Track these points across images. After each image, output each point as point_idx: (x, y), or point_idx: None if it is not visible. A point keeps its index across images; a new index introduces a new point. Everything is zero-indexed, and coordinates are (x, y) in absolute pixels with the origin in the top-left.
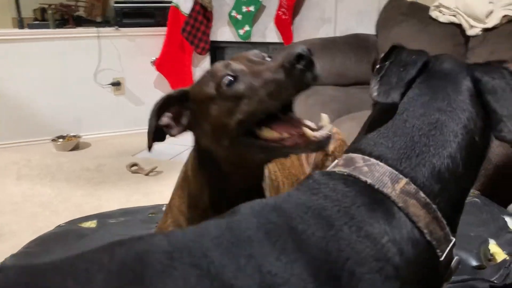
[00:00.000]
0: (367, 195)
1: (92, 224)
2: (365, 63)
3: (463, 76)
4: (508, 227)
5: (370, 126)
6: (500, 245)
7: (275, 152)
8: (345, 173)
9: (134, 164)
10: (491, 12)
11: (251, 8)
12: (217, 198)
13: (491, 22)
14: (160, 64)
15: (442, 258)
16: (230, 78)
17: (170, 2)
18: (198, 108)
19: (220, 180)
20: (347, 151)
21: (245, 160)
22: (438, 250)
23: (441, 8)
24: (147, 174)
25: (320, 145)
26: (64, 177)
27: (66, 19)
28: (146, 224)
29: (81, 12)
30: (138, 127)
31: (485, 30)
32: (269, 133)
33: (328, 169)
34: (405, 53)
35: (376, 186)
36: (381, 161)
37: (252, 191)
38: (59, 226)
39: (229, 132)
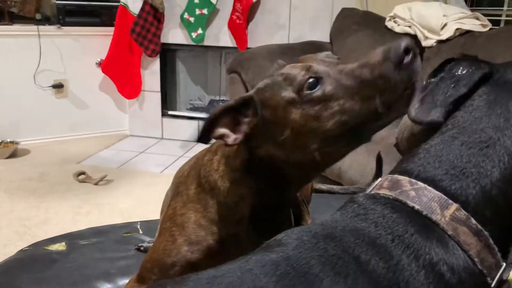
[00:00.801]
0: (417, 222)
1: (61, 246)
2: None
3: None
4: None
5: (418, 144)
6: None
7: (375, 131)
8: (391, 197)
9: (81, 173)
10: (445, 25)
11: (205, 11)
12: (260, 207)
13: (445, 34)
14: (106, 66)
15: (492, 286)
16: (314, 80)
17: (117, 1)
18: (273, 114)
19: (274, 188)
20: (393, 172)
21: (329, 158)
22: (488, 278)
23: (396, 19)
24: (96, 184)
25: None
26: (2, 188)
27: (2, 15)
28: (121, 245)
29: (13, 8)
30: (83, 132)
31: (440, 41)
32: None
33: (371, 190)
34: (461, 66)
35: (424, 213)
36: (429, 184)
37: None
38: (22, 250)
39: (324, 133)
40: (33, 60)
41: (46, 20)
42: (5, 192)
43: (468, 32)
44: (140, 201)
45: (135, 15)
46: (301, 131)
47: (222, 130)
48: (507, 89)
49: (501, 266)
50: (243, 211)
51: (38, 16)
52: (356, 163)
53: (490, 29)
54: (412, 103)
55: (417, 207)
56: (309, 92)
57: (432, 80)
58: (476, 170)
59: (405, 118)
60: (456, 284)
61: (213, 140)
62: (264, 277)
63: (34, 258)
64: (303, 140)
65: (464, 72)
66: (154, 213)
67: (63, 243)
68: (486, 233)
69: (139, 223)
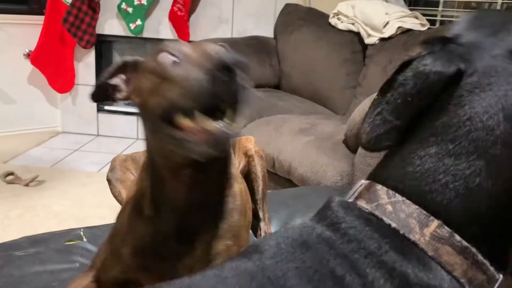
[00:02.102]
0: (392, 239)
1: None
2: (267, 65)
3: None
4: None
5: (393, 150)
6: None
7: (182, 144)
8: (367, 210)
9: (10, 173)
10: (387, 23)
11: (144, 1)
12: (158, 202)
13: (387, 32)
14: (36, 58)
15: None
16: (173, 58)
17: None
18: (139, 79)
19: (157, 177)
20: (372, 177)
21: (165, 153)
22: None
23: (340, 16)
24: (27, 185)
25: (215, 142)
26: None
27: None
28: (64, 255)
29: None
30: (10, 129)
31: (382, 39)
32: (186, 123)
33: (349, 197)
34: (419, 72)
35: (401, 231)
36: (408, 197)
37: (205, 203)
38: None
39: (152, 113)
40: None
41: None
42: None
43: (408, 30)
44: (76, 202)
45: (68, 4)
46: (142, 103)
47: (117, 80)
48: (488, 81)
49: (497, 279)
50: (146, 208)
51: None
52: (307, 160)
53: (428, 28)
54: (363, 127)
55: (393, 224)
56: (165, 67)
57: (385, 96)
58: (462, 183)
59: (353, 114)
60: None
61: None
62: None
63: None
64: (142, 111)
65: (427, 76)
66: (91, 216)
67: None
68: (473, 249)
69: (82, 229)
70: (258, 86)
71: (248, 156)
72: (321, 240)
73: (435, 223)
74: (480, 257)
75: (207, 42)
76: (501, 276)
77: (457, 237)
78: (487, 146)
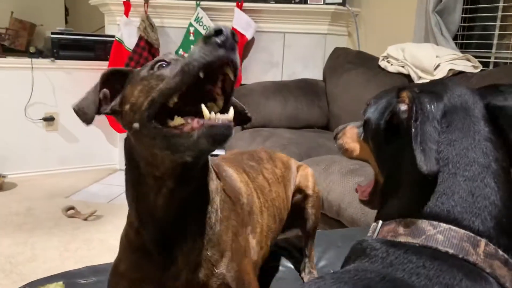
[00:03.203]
0: (460, 267)
1: (58, 286)
2: (315, 107)
3: (479, 107)
4: None
5: (410, 185)
6: None
7: (175, 141)
8: (417, 244)
9: (70, 208)
10: (438, 65)
11: None
12: (142, 213)
13: (438, 75)
14: None
15: None
16: (164, 63)
17: (111, 36)
18: (130, 90)
19: (141, 187)
20: (391, 217)
21: (154, 156)
22: None
23: (390, 59)
24: (85, 219)
25: (216, 131)
26: None
27: None
28: None
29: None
30: (72, 166)
31: None
32: (177, 121)
33: (382, 236)
34: (427, 103)
35: (460, 256)
36: (451, 224)
37: (188, 210)
38: None
39: (141, 113)
40: (25, 93)
41: (39, 54)
42: None
43: (460, 72)
44: None
45: (130, 50)
46: (133, 106)
47: (104, 91)
48: (462, 114)
49: None
50: (134, 220)
51: (32, 49)
52: (356, 201)
53: (481, 70)
54: (418, 157)
55: (451, 251)
56: (155, 70)
57: (417, 125)
58: (487, 202)
59: None
60: None
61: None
62: None
63: None
64: (131, 116)
65: (433, 109)
66: None
67: (61, 283)
68: (510, 260)
69: None
70: (306, 126)
71: (305, 195)
72: (387, 282)
73: (483, 242)
74: None
75: None
76: None
77: (500, 252)
78: (487, 165)
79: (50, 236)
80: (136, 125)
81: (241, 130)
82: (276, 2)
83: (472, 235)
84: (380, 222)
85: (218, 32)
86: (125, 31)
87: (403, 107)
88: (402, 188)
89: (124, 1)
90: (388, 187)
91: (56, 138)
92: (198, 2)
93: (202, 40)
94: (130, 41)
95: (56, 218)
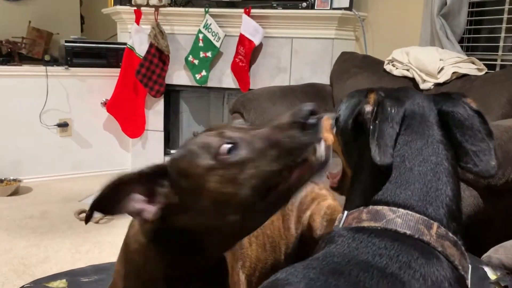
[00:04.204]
0: (415, 247)
1: (61, 284)
2: (322, 111)
3: (433, 114)
4: (488, 277)
5: (371, 179)
6: None
7: (290, 195)
8: (379, 228)
9: (83, 211)
10: (442, 69)
11: (209, 54)
12: (177, 273)
13: (442, 78)
14: (111, 106)
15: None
16: (229, 145)
17: (123, 44)
18: (189, 183)
19: (190, 261)
20: (356, 206)
21: (252, 226)
22: (467, 281)
23: (395, 63)
24: (97, 222)
25: (323, 162)
26: (3, 226)
27: (12, 56)
28: None
29: (22, 50)
30: (85, 171)
31: (437, 84)
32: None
33: (348, 224)
34: (389, 107)
35: (416, 236)
36: (409, 210)
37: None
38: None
39: (241, 201)
40: (40, 100)
41: (54, 61)
42: (5, 230)
43: (464, 75)
44: None
45: (141, 57)
46: (219, 198)
47: (137, 205)
48: (419, 119)
49: (470, 267)
50: (153, 272)
51: (47, 58)
52: None
53: (486, 73)
54: (372, 149)
55: (408, 232)
56: (226, 156)
57: (376, 123)
58: (439, 193)
59: None
60: None
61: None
62: None
63: None
64: (222, 208)
65: (393, 112)
66: None
67: (64, 280)
68: (460, 242)
69: None
70: None
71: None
72: (352, 265)
73: (435, 224)
74: (463, 248)
75: (225, 123)
76: (470, 266)
77: (450, 234)
78: (439, 162)
79: (63, 238)
80: (233, 217)
81: None
82: (283, 8)
83: (426, 218)
84: (346, 212)
85: (312, 113)
86: (136, 38)
87: (368, 108)
88: (365, 181)
89: (135, 9)
90: (354, 179)
91: (70, 143)
92: (207, 9)
93: (298, 124)
94: (141, 48)
95: (69, 221)
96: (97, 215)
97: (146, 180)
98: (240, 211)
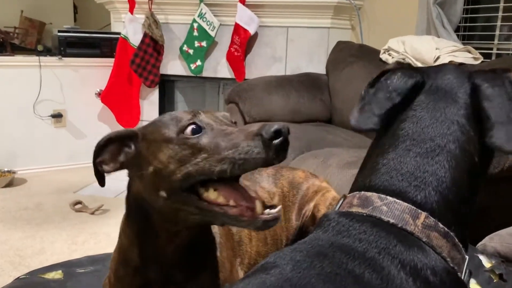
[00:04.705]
0: (396, 234)
1: (57, 274)
2: (318, 101)
3: (463, 90)
4: (483, 265)
5: (374, 158)
6: (480, 283)
7: (214, 217)
8: (365, 214)
9: (78, 202)
10: (438, 58)
11: (203, 44)
12: (147, 255)
13: None
14: (106, 96)
15: (463, 278)
16: (197, 127)
17: (117, 33)
18: (147, 148)
19: (150, 235)
20: (355, 187)
21: (179, 217)
22: (459, 273)
23: (391, 52)
24: (92, 213)
25: (267, 225)
26: None
27: (4, 46)
28: None
29: (15, 40)
30: (80, 162)
31: None
32: (213, 195)
33: (341, 208)
34: (396, 77)
35: (399, 225)
36: (397, 197)
37: (192, 248)
38: (18, 279)
39: (171, 182)
40: (33, 90)
41: (47, 52)
42: (0, 222)
43: (460, 64)
44: None
45: (135, 47)
46: (159, 172)
47: (101, 158)
48: (441, 95)
49: (466, 259)
50: (133, 257)
51: (40, 48)
52: None
53: (482, 61)
54: (352, 113)
55: (392, 221)
56: (188, 136)
57: (370, 90)
58: (434, 178)
59: None
60: (439, 285)
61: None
62: None
63: (30, 286)
64: (158, 181)
65: (397, 82)
66: None
67: (60, 271)
68: (452, 233)
69: None
70: (309, 120)
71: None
72: (335, 248)
73: (423, 214)
74: (456, 240)
75: (212, 110)
76: (467, 257)
77: (440, 225)
78: (443, 145)
79: (59, 230)
80: (163, 193)
81: (244, 124)
82: None
83: (414, 208)
84: (343, 196)
85: (277, 133)
86: (130, 28)
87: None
88: (366, 165)
89: None
90: (361, 164)
91: (64, 134)
92: None
93: (260, 138)
94: (135, 38)
95: (64, 212)
96: (95, 204)
97: (118, 140)
98: (167, 193)
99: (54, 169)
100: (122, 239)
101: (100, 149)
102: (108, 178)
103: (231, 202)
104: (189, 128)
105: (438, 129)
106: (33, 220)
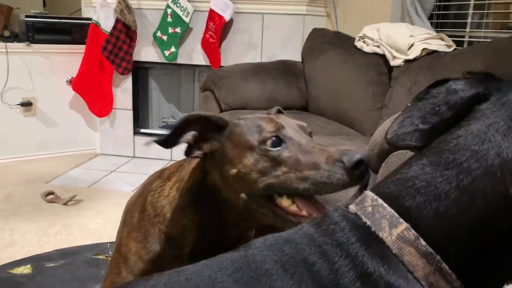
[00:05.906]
0: (361, 234)
1: (26, 269)
2: (294, 88)
3: None
4: None
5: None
6: None
7: (286, 223)
8: (353, 211)
9: (50, 193)
10: (412, 45)
11: (178, 30)
12: (202, 245)
13: (412, 54)
14: (77, 84)
15: None
16: (277, 140)
17: (88, 19)
18: (232, 148)
19: (217, 226)
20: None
21: (254, 217)
22: None
23: (365, 39)
24: (65, 204)
25: None
26: None
27: None
28: (91, 266)
29: None
30: (51, 151)
31: (407, 61)
32: (287, 203)
33: (351, 201)
34: (450, 89)
35: (372, 229)
36: (387, 201)
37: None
38: None
39: (252, 189)
40: (0, 78)
41: (15, 38)
42: None
43: (434, 52)
44: (111, 221)
45: (107, 33)
46: (242, 176)
47: (189, 138)
48: (506, 109)
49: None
50: (183, 247)
51: (6, 33)
52: None
53: (455, 49)
54: (392, 125)
55: (368, 222)
56: (269, 148)
57: (417, 103)
58: (430, 190)
59: (374, 135)
60: None
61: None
62: (219, 270)
63: None
64: (239, 184)
65: (451, 95)
66: None
67: (29, 266)
68: (437, 256)
69: (108, 244)
70: (285, 108)
71: None
72: (304, 235)
73: (403, 225)
74: (444, 265)
75: (290, 116)
76: None
77: (422, 242)
78: (462, 160)
79: (29, 221)
80: (243, 196)
81: (219, 112)
82: None
83: (396, 215)
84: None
85: (359, 163)
86: (101, 13)
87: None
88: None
89: None
90: None
91: (34, 123)
92: None
93: (342, 166)
94: (107, 23)
95: (35, 203)
96: (67, 195)
97: (207, 125)
98: (247, 196)
99: (24, 159)
100: (171, 228)
101: (188, 123)
102: (81, 167)
103: (304, 212)
104: (269, 141)
105: (468, 143)
106: (3, 212)
